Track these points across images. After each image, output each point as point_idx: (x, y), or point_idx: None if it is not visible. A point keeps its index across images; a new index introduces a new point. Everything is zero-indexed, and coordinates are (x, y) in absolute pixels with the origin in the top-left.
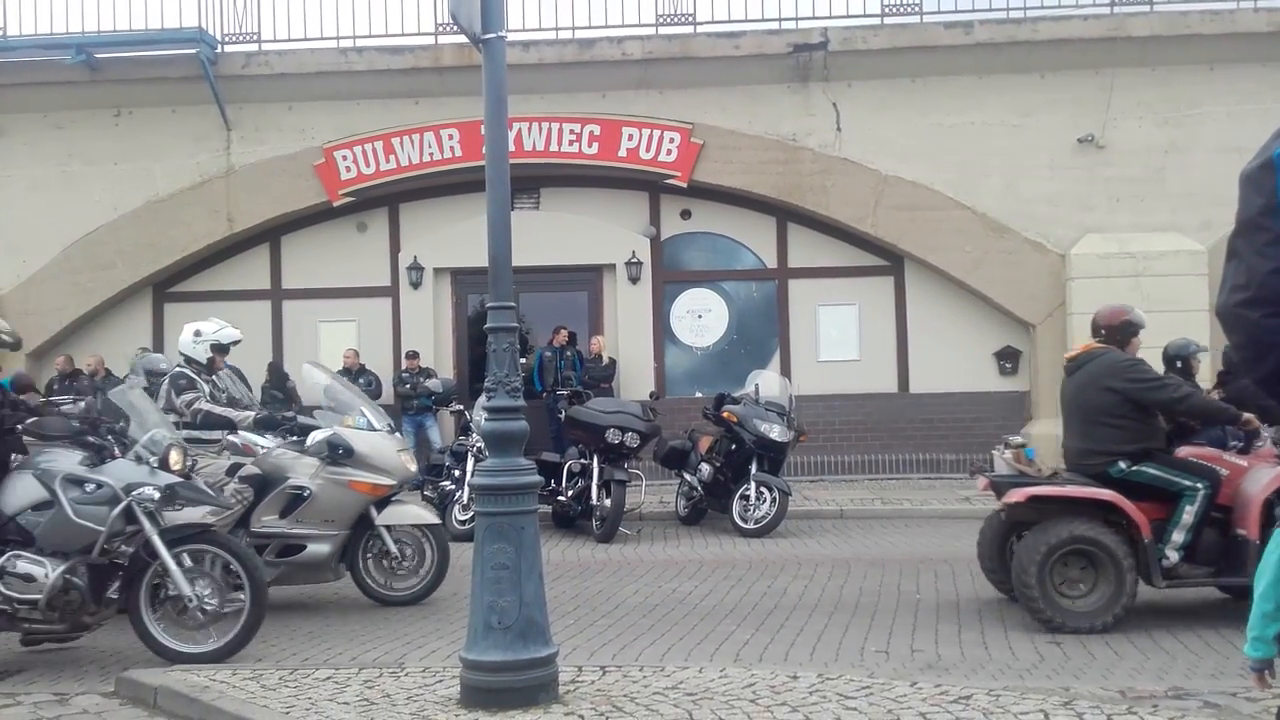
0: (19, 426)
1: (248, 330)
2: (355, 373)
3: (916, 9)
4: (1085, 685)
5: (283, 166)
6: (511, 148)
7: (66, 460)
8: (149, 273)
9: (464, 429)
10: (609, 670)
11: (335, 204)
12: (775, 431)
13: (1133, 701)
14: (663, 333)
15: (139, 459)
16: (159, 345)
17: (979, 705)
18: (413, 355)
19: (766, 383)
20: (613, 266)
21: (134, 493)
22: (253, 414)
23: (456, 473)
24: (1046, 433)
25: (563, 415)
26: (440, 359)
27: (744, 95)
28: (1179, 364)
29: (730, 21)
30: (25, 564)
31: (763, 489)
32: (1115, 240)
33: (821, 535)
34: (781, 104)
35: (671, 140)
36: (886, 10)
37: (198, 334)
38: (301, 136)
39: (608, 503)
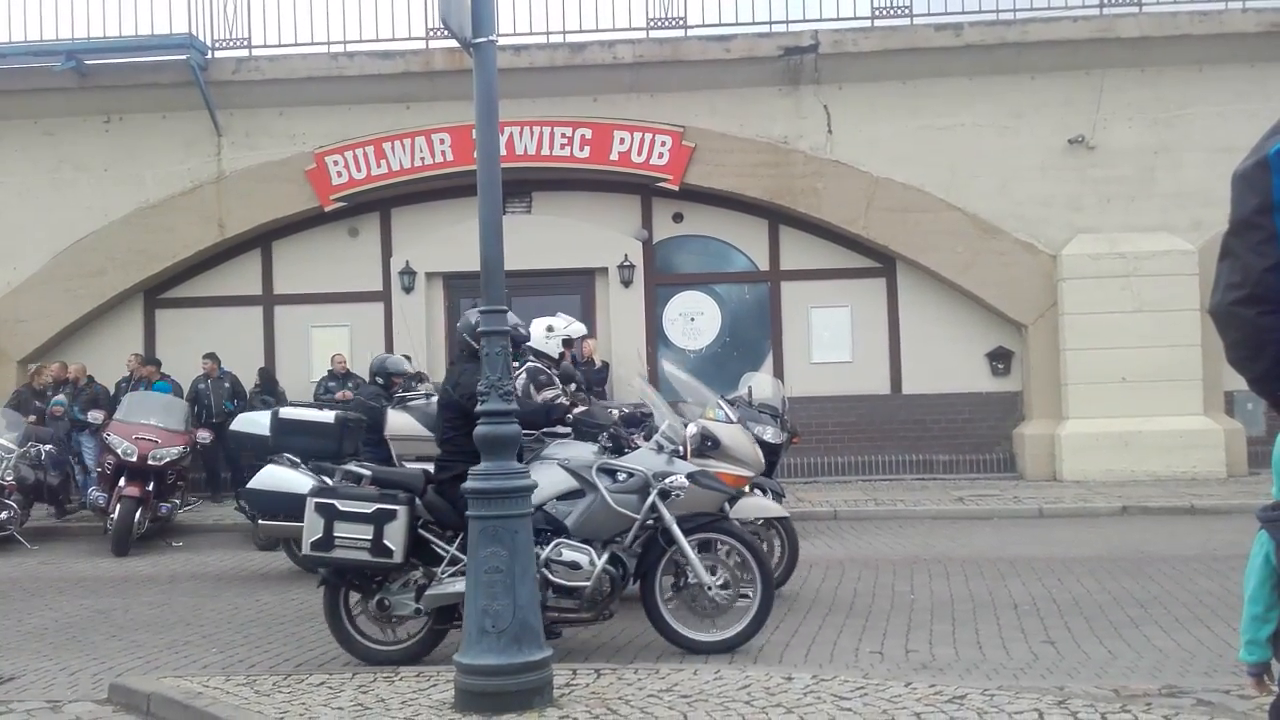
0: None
1: (238, 336)
2: (343, 377)
3: (906, 11)
4: (1079, 684)
5: (274, 172)
6: (503, 152)
7: (582, 451)
8: (140, 279)
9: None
10: (603, 673)
11: (327, 209)
12: (768, 433)
13: (1126, 700)
14: (655, 336)
15: (659, 448)
16: (150, 352)
17: (973, 705)
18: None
19: (759, 385)
20: (605, 270)
21: (665, 480)
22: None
23: None
24: (1038, 433)
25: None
26: (433, 363)
27: (735, 98)
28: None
29: (721, 25)
30: (571, 552)
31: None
32: (1106, 241)
33: (815, 536)
34: (773, 107)
35: (663, 143)
36: (877, 13)
37: (550, 329)
38: (292, 142)
39: None
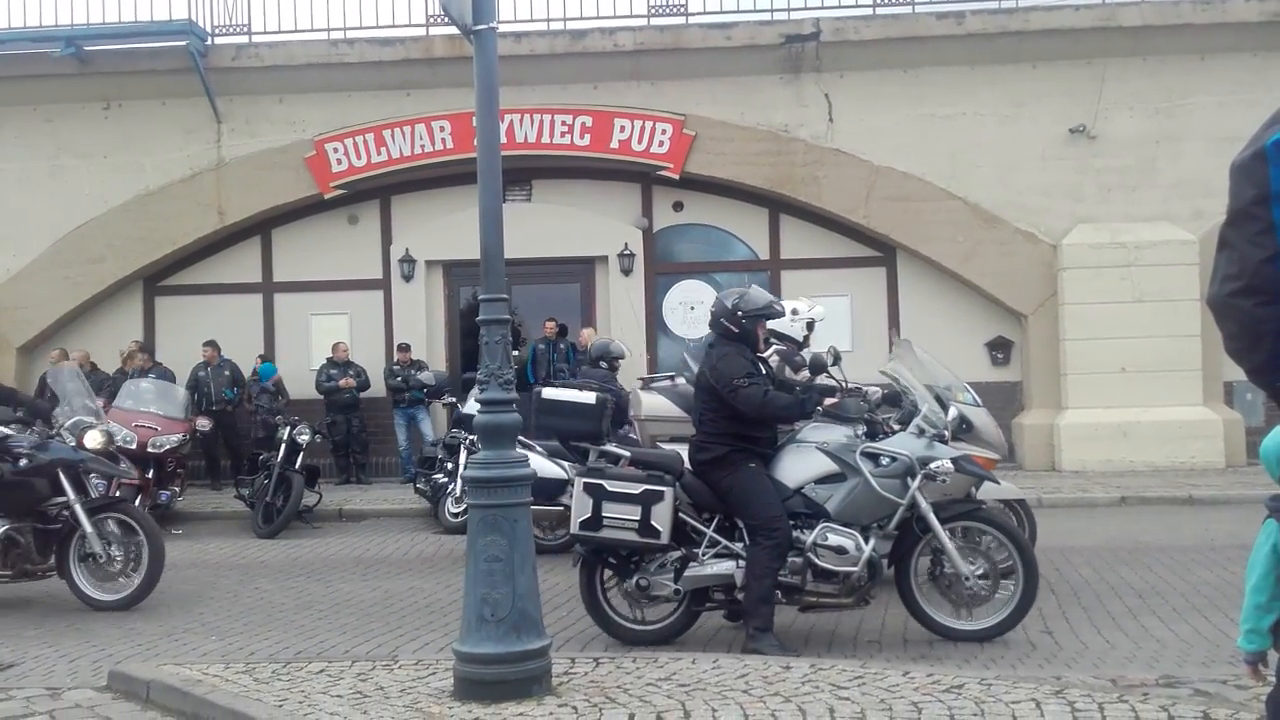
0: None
1: (239, 324)
2: (343, 365)
3: (908, 0)
4: (1077, 674)
5: (273, 159)
6: (503, 139)
7: (839, 434)
8: (139, 266)
9: (456, 421)
10: (602, 661)
11: (326, 196)
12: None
13: (1124, 690)
14: (655, 324)
15: (920, 431)
16: (149, 340)
17: (971, 694)
18: (404, 348)
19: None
20: (605, 258)
21: (930, 465)
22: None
23: (449, 465)
24: (1038, 423)
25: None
26: (432, 352)
27: (736, 86)
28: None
29: (722, 12)
30: (837, 537)
31: None
32: (1107, 230)
33: None
34: (774, 95)
35: (664, 132)
36: (878, 1)
37: (794, 312)
38: (292, 129)
39: None
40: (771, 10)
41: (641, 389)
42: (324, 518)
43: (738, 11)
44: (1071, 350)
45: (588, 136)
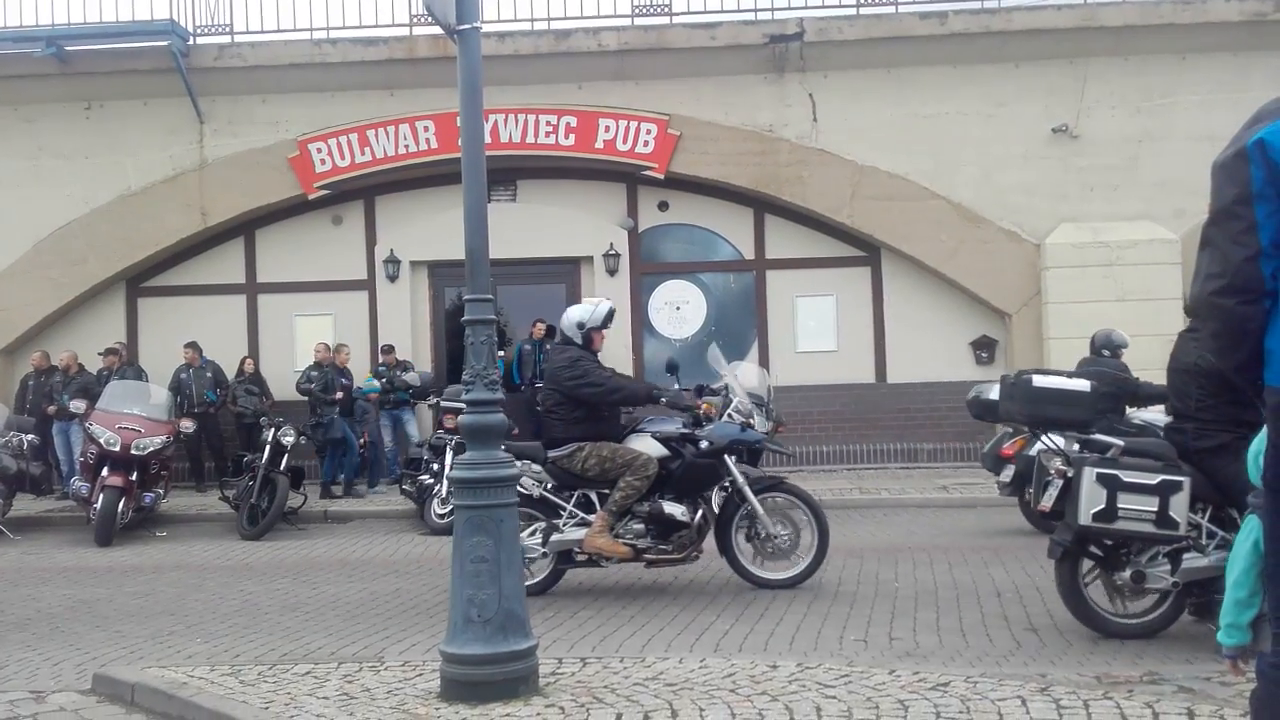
0: None
1: (222, 325)
2: (327, 367)
3: (891, 0)
4: (1061, 671)
5: (257, 159)
6: (488, 139)
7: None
8: (122, 267)
9: (441, 422)
10: (589, 662)
11: (310, 197)
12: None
13: (1109, 687)
14: (641, 324)
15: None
16: (132, 341)
17: (957, 692)
18: (389, 349)
19: (745, 374)
20: (590, 258)
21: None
22: None
23: (435, 466)
24: None
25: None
26: (418, 352)
27: (720, 86)
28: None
29: (706, 12)
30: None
31: None
32: (1089, 229)
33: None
34: (758, 95)
35: (648, 131)
36: (861, 1)
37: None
38: (275, 129)
39: None
40: (755, 10)
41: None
42: (309, 519)
43: (721, 11)
44: (1055, 349)
45: (572, 136)
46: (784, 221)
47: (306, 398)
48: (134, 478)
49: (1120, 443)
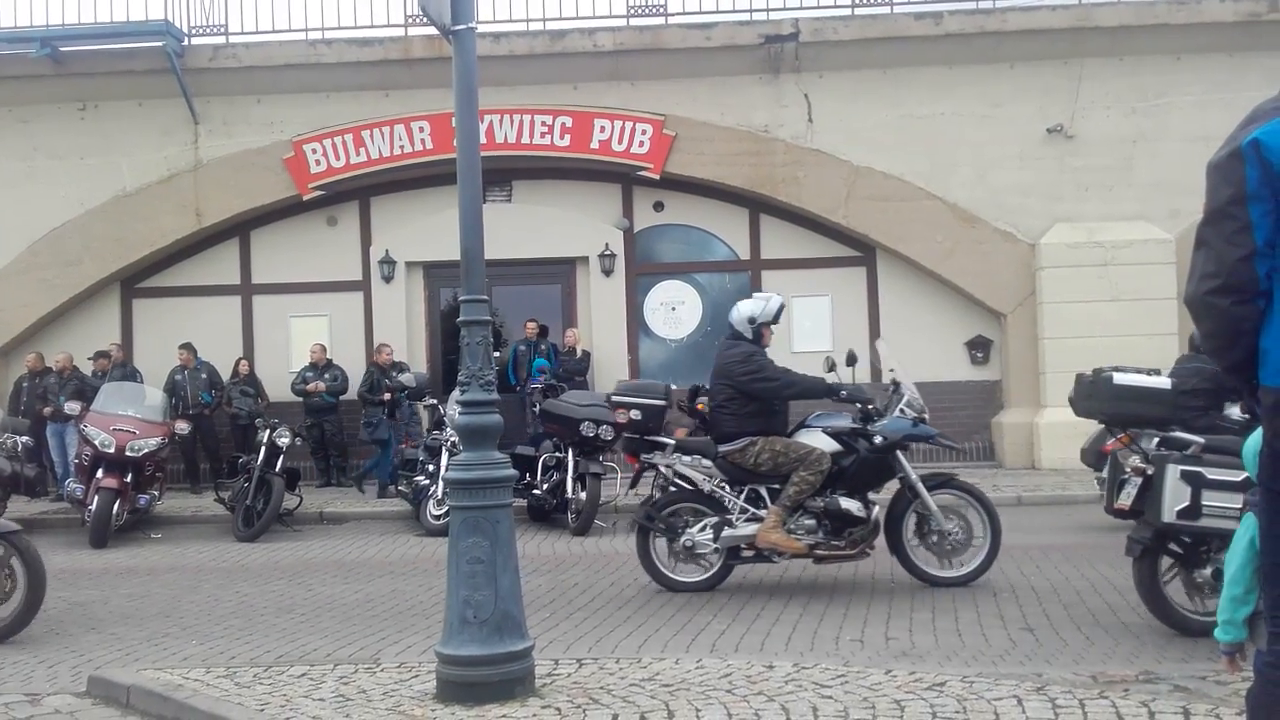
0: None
1: (217, 326)
2: (322, 367)
3: (886, 0)
4: (1057, 670)
5: (252, 160)
6: (483, 140)
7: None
8: (117, 268)
9: (438, 423)
10: (585, 662)
11: (305, 198)
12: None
13: (1104, 686)
14: (637, 325)
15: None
16: (126, 343)
17: (953, 692)
18: (384, 349)
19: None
20: (586, 259)
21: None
22: None
23: (431, 467)
24: (1018, 421)
25: (537, 409)
26: (413, 353)
27: (716, 87)
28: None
29: (701, 13)
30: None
31: None
32: (1084, 229)
33: None
34: (753, 95)
35: (644, 132)
36: (856, 1)
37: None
38: (270, 129)
39: (583, 496)
40: (750, 10)
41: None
42: (305, 521)
43: (717, 12)
44: (1050, 349)
45: (568, 137)
46: (779, 222)
47: (301, 398)
48: (129, 479)
49: (1201, 440)
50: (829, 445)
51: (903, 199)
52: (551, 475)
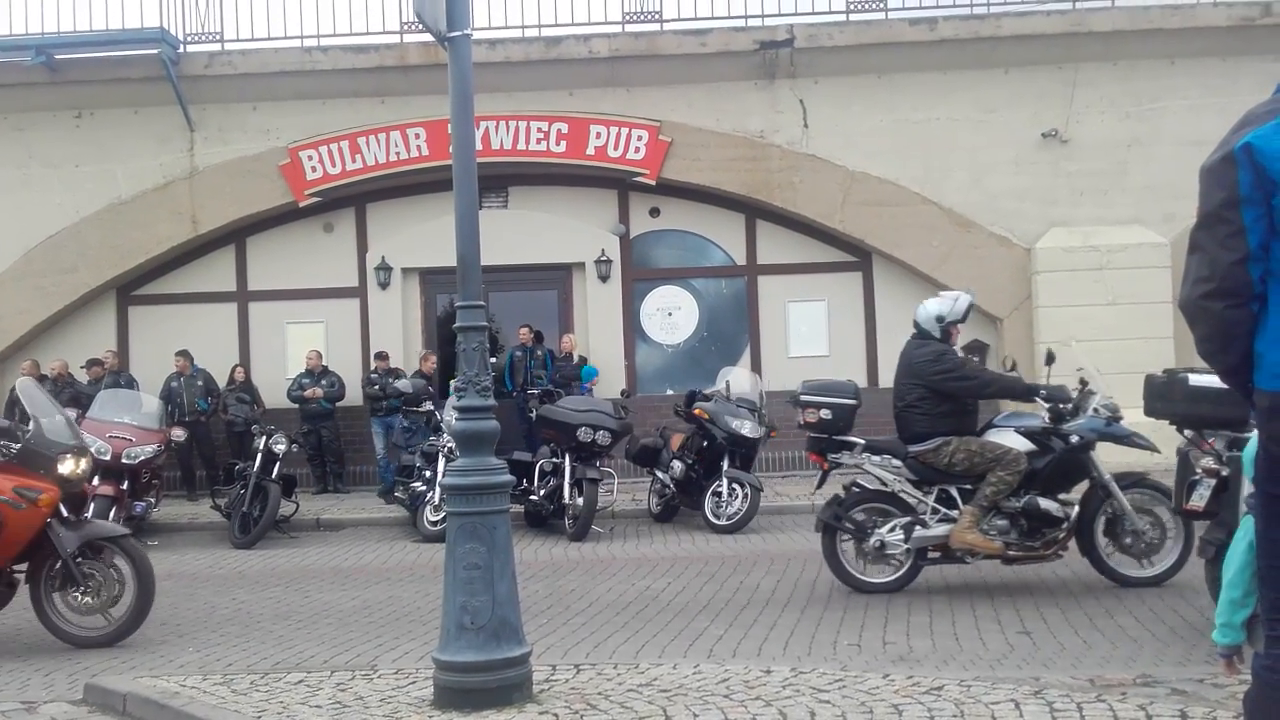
0: None
1: (213, 333)
2: (318, 374)
3: (881, 5)
4: (1055, 674)
5: (247, 167)
6: (479, 146)
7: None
8: (112, 276)
9: (435, 429)
10: (583, 668)
11: (301, 204)
12: (746, 428)
13: (1102, 690)
14: (633, 331)
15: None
16: (122, 350)
17: (951, 696)
18: (382, 356)
19: (737, 379)
20: (582, 265)
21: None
22: None
23: (428, 473)
24: None
25: (534, 414)
26: (409, 359)
27: (711, 92)
28: None
29: (697, 19)
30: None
31: (735, 485)
32: (1079, 234)
33: (794, 530)
34: (749, 101)
35: (639, 138)
36: (851, 7)
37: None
38: (266, 137)
39: (580, 501)
40: (746, 16)
41: None
42: (301, 527)
43: (712, 18)
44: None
45: (564, 143)
46: (775, 227)
47: (298, 405)
48: (125, 486)
49: None
50: (1023, 445)
51: (898, 204)
52: (548, 481)
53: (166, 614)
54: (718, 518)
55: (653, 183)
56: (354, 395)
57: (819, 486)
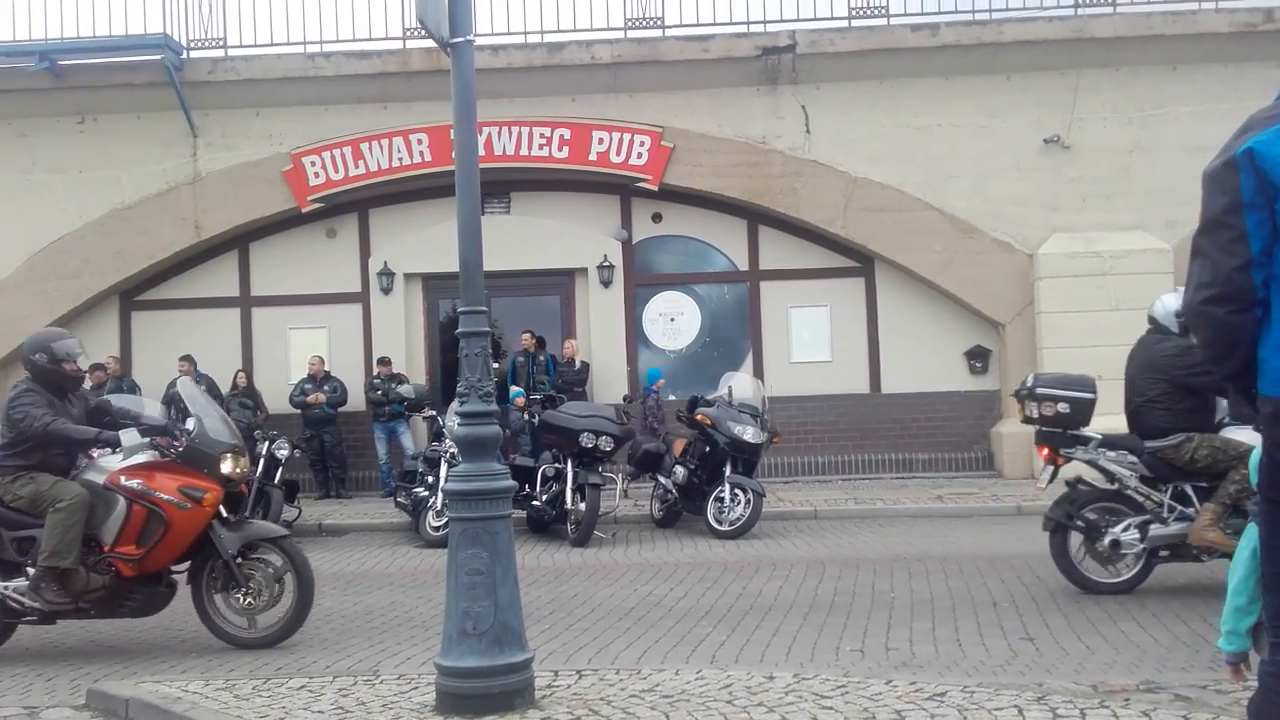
0: None
1: (216, 338)
2: (320, 379)
3: (883, 11)
4: (1058, 680)
5: (250, 173)
6: (481, 152)
7: None
8: (116, 281)
9: (437, 435)
10: (585, 674)
11: (304, 210)
12: (749, 433)
13: (1105, 696)
14: (635, 336)
15: None
16: (125, 355)
17: (954, 702)
18: (384, 361)
19: (739, 385)
20: (584, 270)
21: None
22: None
23: (430, 479)
24: (1016, 431)
25: (536, 420)
26: (412, 365)
27: (713, 98)
28: None
29: (699, 25)
30: None
31: (737, 491)
32: (1082, 239)
33: (796, 536)
34: (751, 107)
35: (642, 143)
36: (854, 13)
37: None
38: (269, 142)
39: (582, 506)
40: (748, 22)
41: None
42: (304, 533)
43: (714, 24)
44: (1049, 359)
45: (566, 149)
46: (778, 233)
47: (300, 411)
48: None
49: None
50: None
51: (900, 209)
52: (551, 486)
53: (168, 618)
54: (720, 523)
55: (655, 188)
56: (356, 400)
57: (1049, 482)
